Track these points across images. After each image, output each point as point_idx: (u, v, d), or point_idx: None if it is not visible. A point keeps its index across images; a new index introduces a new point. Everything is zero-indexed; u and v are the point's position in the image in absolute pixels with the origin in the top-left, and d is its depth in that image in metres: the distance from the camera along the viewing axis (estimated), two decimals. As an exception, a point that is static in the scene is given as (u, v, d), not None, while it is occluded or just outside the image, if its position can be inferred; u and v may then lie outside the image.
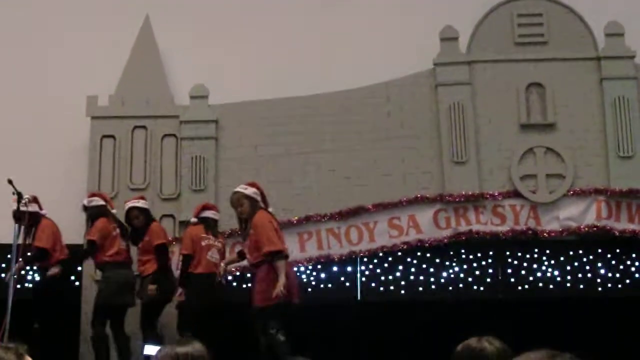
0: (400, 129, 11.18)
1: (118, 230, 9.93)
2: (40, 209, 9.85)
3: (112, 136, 11.29)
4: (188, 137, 11.26)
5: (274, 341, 8.19)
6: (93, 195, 10.25)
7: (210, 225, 9.84)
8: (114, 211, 10.12)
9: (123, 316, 9.86)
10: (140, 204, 10.12)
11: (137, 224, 10.01)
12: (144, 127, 11.35)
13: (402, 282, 10.88)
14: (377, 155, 11.14)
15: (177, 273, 9.99)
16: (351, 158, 11.02)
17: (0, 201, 9.43)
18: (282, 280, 8.19)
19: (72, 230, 11.01)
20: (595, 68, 11.25)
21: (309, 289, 10.43)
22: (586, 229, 10.76)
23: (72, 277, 11.05)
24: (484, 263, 10.91)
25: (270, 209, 8.83)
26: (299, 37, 11.74)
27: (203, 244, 9.64)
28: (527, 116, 11.19)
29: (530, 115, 11.22)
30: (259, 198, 8.76)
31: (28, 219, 9.00)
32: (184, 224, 10.97)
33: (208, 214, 9.89)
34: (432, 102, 11.24)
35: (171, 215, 11.10)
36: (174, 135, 11.32)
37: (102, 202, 10.04)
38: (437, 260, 10.91)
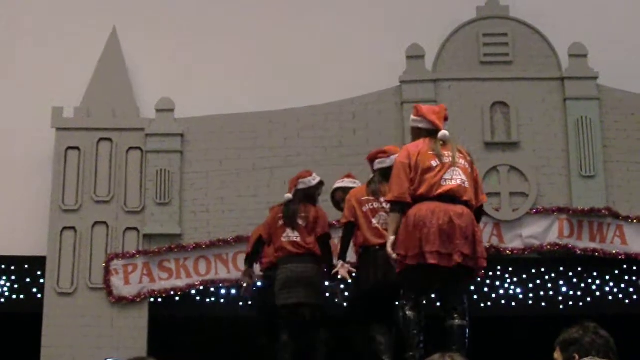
0: (366, 145, 11.19)
1: (282, 222, 8.26)
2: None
3: (77, 148, 11.22)
4: (153, 150, 11.23)
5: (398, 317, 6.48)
6: None
7: (374, 183, 7.58)
8: (288, 196, 8.36)
9: (293, 320, 8.09)
10: (345, 183, 8.37)
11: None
12: (109, 139, 11.29)
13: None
14: (343, 171, 11.04)
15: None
16: (317, 174, 10.97)
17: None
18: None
19: (35, 242, 10.98)
20: (558, 88, 11.37)
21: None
22: (548, 247, 10.86)
23: (35, 290, 11.01)
24: (447, 280, 10.95)
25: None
26: (266, 53, 11.77)
27: (364, 208, 7.48)
28: (491, 135, 11.28)
29: (494, 134, 11.31)
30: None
31: None
32: (148, 237, 10.96)
33: (377, 165, 7.69)
34: (398, 120, 11.29)
35: (135, 229, 11.05)
36: (140, 148, 11.27)
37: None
38: (401, 277, 10.92)
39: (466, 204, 6.26)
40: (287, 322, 8.08)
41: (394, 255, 6.29)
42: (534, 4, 11.73)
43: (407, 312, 6.29)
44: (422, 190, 6.26)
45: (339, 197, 8.19)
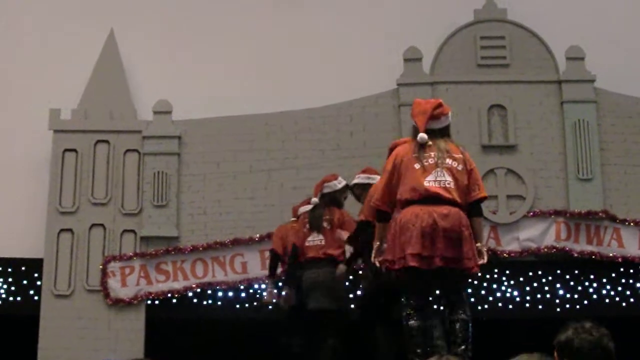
0: (363, 147, 11.22)
1: (307, 226, 8.47)
2: None
3: (75, 150, 11.23)
4: (151, 152, 11.23)
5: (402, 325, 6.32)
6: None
7: None
8: (314, 200, 8.57)
9: (310, 329, 8.33)
10: (360, 179, 8.37)
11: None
12: (106, 141, 11.29)
13: (363, 301, 10.88)
14: (340, 174, 11.14)
15: None
16: (314, 176, 11.01)
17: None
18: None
19: (32, 244, 10.96)
20: (556, 91, 11.39)
21: (270, 307, 10.40)
22: (545, 250, 10.87)
23: (32, 292, 11.00)
24: (444, 282, 10.95)
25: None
26: (264, 55, 11.77)
27: None
28: (488, 137, 11.29)
29: (491, 137, 11.32)
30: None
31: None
32: (145, 239, 10.96)
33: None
34: (395, 122, 11.30)
35: (132, 231, 11.04)
36: (137, 150, 11.27)
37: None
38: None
39: (453, 204, 6.15)
40: (320, 326, 8.15)
41: (376, 262, 6.32)
42: (532, 7, 11.74)
43: (410, 322, 6.18)
44: (406, 195, 6.19)
45: (358, 192, 8.27)
